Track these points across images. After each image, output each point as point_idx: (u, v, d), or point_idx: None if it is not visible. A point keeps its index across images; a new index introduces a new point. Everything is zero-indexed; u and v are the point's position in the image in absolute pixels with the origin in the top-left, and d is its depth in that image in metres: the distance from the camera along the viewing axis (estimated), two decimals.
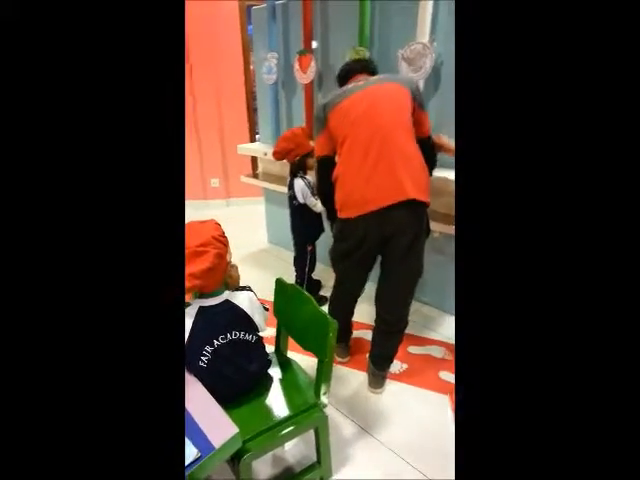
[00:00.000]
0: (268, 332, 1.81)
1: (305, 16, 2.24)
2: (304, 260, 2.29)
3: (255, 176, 2.99)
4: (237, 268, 1.26)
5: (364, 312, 2.18)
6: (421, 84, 1.86)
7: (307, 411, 1.17)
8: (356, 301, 1.77)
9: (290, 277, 2.41)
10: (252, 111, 3.83)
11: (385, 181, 1.37)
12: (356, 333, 2.03)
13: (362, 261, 1.56)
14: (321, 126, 1.51)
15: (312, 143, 2.06)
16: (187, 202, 4.00)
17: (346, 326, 1.86)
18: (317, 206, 2.09)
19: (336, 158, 1.51)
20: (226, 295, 1.11)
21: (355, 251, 1.51)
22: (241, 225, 3.66)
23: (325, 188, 1.57)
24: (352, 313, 1.83)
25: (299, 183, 2.09)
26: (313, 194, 2.08)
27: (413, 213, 1.42)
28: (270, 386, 1.23)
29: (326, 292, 2.48)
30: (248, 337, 1.12)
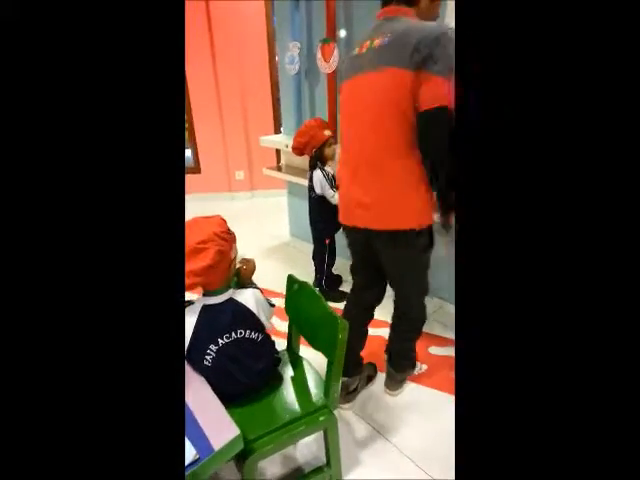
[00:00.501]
0: (281, 327, 1.80)
1: (328, 4, 2.18)
2: (322, 254, 2.25)
3: (279, 168, 2.96)
4: (253, 262, 1.23)
5: (384, 310, 2.13)
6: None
7: (316, 412, 1.14)
8: (370, 314, 1.59)
9: (310, 270, 2.38)
10: (277, 102, 3.80)
11: (367, 205, 1.26)
12: (374, 331, 1.97)
13: (366, 259, 1.47)
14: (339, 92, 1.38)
15: (327, 132, 2.02)
16: (211, 195, 4.04)
17: (353, 350, 1.49)
18: (334, 198, 2.04)
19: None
20: (230, 293, 1.08)
21: (352, 252, 1.51)
22: (264, 217, 3.66)
23: None
24: (364, 334, 1.60)
25: (317, 174, 2.05)
26: (332, 186, 2.03)
27: (398, 241, 1.27)
28: (279, 385, 1.21)
29: (346, 287, 2.44)
30: (254, 336, 1.09)
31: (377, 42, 1.16)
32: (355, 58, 1.24)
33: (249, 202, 4.11)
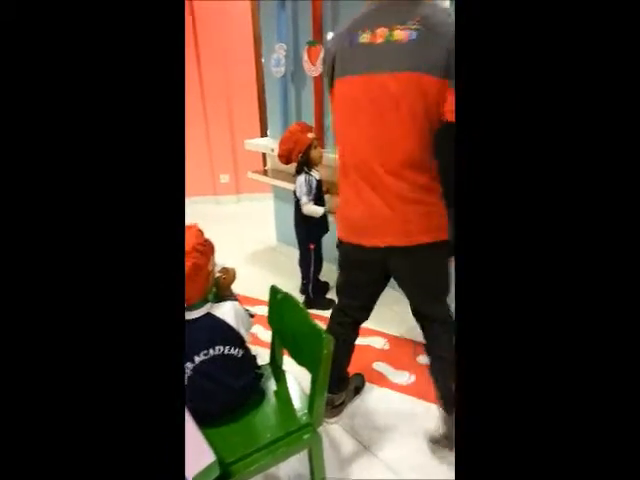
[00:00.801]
0: (265, 337, 1.73)
1: (314, 5, 2.14)
2: (308, 260, 2.20)
3: (265, 172, 2.91)
4: (233, 271, 1.17)
5: (375, 320, 2.07)
6: None
7: (300, 430, 1.08)
8: (356, 332, 1.48)
9: (297, 277, 2.32)
10: (264, 105, 3.74)
11: (394, 221, 1.12)
12: (362, 340, 1.92)
13: (367, 280, 1.34)
14: (329, 85, 1.19)
15: (310, 135, 1.97)
16: (196, 198, 3.96)
17: (339, 367, 1.44)
18: (307, 208, 2.01)
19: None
20: (208, 307, 1.02)
21: (355, 272, 1.33)
22: (250, 222, 3.59)
23: None
24: (350, 351, 1.49)
25: (300, 179, 2.02)
26: (309, 193, 1.99)
27: (423, 252, 1.14)
28: (260, 403, 1.14)
29: (333, 294, 2.37)
30: (233, 352, 1.03)
31: (400, 35, 0.98)
32: (367, 49, 1.03)
33: (234, 206, 4.03)
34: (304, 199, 2.00)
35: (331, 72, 1.15)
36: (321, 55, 2.17)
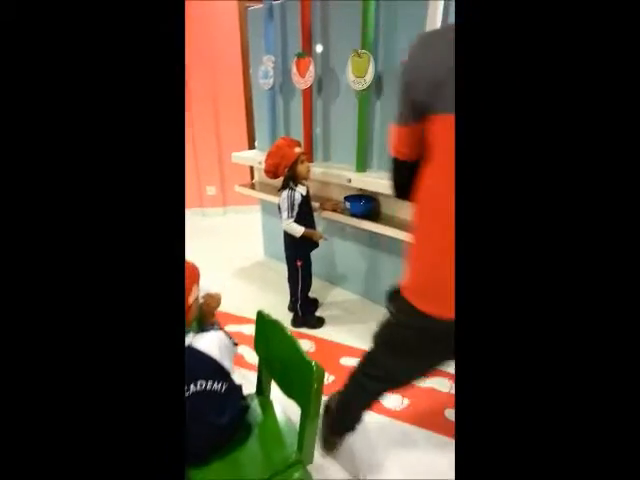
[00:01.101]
0: (252, 358, 1.65)
1: (303, 17, 2.10)
2: (296, 277, 2.13)
3: (252, 186, 2.85)
4: (218, 298, 1.10)
5: (364, 336, 2.01)
6: None
7: (288, 469, 1.01)
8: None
9: (286, 293, 2.24)
10: (252, 117, 3.70)
11: None
12: (352, 361, 1.86)
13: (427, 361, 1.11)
14: (410, 119, 0.90)
15: (298, 149, 1.92)
16: None
17: (355, 412, 1.29)
18: (286, 224, 1.97)
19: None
20: (189, 339, 0.94)
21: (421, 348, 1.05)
22: (237, 235, 3.51)
23: (402, 195, 1.07)
24: (374, 402, 1.28)
25: (283, 194, 1.97)
26: (291, 209, 1.94)
27: None
28: (246, 438, 1.06)
29: (323, 311, 2.32)
30: (217, 386, 0.95)
31: None
32: None
33: (221, 218, 3.95)
34: (284, 215, 1.96)
35: (425, 100, 0.84)
36: (310, 68, 2.12)
